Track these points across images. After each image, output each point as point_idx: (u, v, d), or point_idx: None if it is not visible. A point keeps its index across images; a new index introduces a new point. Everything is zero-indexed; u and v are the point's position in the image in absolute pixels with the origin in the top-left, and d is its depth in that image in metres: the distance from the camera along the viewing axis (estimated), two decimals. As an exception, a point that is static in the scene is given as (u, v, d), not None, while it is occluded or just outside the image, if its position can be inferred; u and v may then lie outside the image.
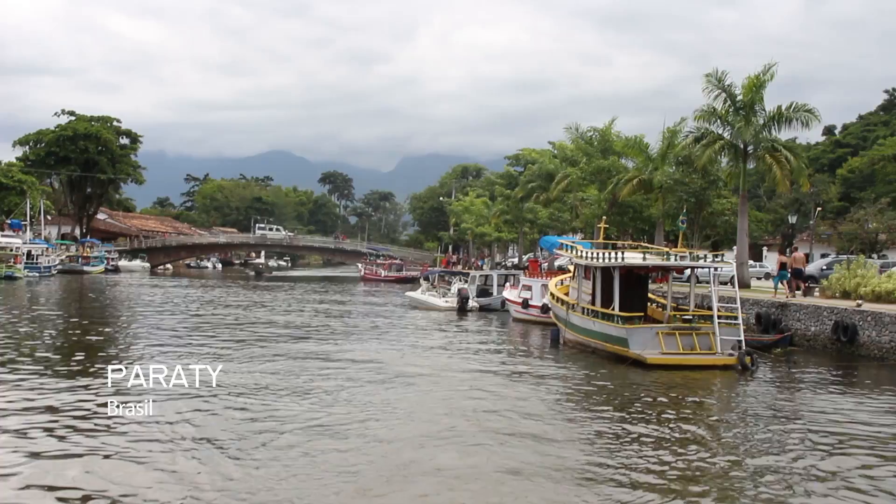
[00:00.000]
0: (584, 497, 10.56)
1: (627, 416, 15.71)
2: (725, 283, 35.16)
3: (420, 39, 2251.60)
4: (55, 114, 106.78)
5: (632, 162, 48.61)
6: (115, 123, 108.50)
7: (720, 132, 37.74)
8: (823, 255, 59.50)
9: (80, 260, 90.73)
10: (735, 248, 35.15)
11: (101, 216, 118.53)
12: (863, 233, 63.87)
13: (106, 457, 12.12)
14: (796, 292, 30.65)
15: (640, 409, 16.59)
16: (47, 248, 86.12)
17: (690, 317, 23.84)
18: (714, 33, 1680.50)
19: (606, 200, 47.81)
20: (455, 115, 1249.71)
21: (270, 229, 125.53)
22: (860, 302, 26.06)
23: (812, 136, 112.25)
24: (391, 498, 10.54)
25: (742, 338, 22.24)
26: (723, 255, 25.46)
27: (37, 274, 74.81)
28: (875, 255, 57.44)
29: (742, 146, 37.05)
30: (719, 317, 22.79)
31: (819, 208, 75.25)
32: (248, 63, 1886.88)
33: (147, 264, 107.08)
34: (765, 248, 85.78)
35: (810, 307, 27.33)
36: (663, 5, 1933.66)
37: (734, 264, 29.62)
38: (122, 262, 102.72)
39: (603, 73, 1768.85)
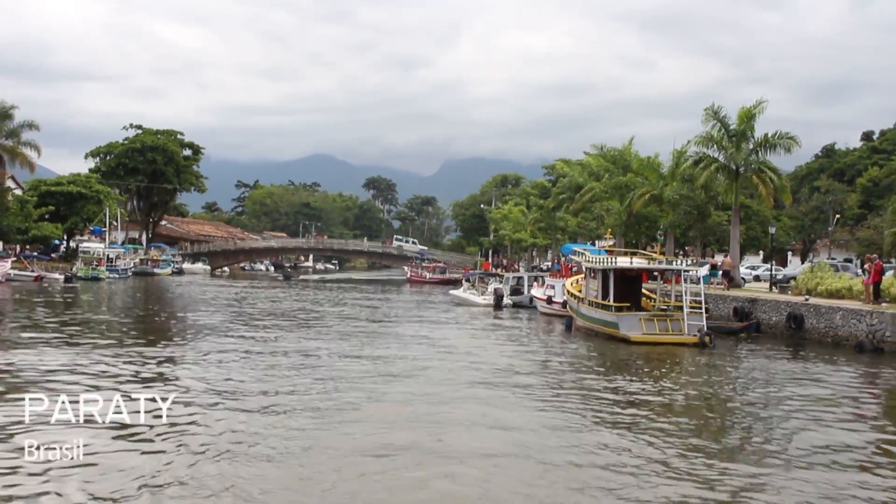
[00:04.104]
0: (573, 420, 17.69)
1: (611, 373, 23.01)
2: (717, 283, 42.22)
3: (462, 44, 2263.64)
4: (123, 127, 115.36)
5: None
6: (178, 136, 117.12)
7: (716, 156, 44.59)
8: (847, 260, 64.59)
9: (149, 263, 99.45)
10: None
11: (161, 221, 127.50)
12: (879, 239, 68.65)
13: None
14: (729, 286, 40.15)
15: (620, 369, 23.81)
16: (123, 253, 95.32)
17: (666, 307, 31.22)
18: (757, 36, 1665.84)
19: (625, 212, 54.69)
20: (496, 119, 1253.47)
21: (406, 241, 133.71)
22: (807, 297, 32.96)
23: (851, 141, 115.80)
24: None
25: (704, 323, 29.37)
26: (695, 260, 32.61)
27: (116, 275, 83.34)
28: (893, 260, 62.80)
29: (734, 168, 43.81)
30: (689, 307, 30.01)
31: (838, 216, 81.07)
32: (291, 68, 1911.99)
33: (208, 267, 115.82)
34: (789, 253, 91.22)
35: (772, 301, 34.30)
36: (705, 8, 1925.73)
37: (702, 268, 36.56)
38: (186, 265, 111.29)
39: (645, 76, 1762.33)
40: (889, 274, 33.08)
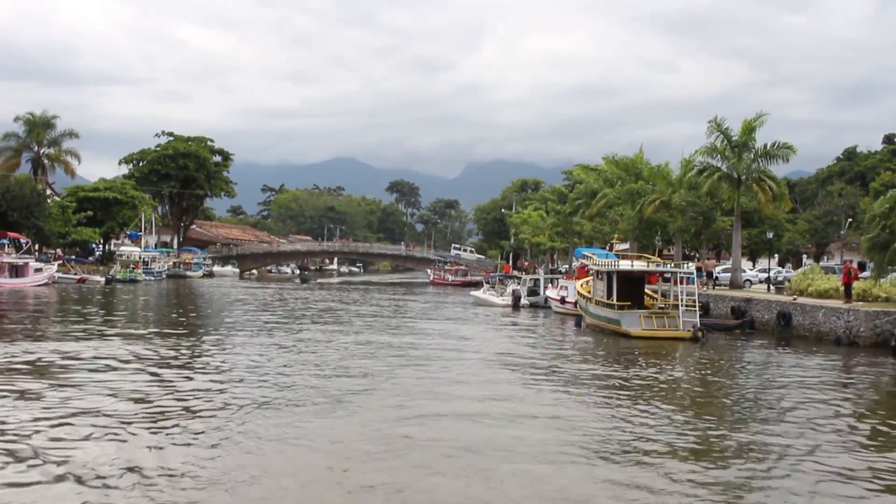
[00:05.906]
0: (579, 402, 20.93)
1: (612, 362, 26.29)
2: (722, 285, 45.58)
3: (485, 47, 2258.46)
4: (156, 134, 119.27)
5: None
6: (209, 143, 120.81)
7: (720, 165, 47.53)
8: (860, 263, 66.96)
9: (182, 266, 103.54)
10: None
11: (192, 226, 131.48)
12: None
13: None
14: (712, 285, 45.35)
15: (621, 359, 27.07)
16: (157, 256, 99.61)
17: (663, 305, 34.50)
18: (782, 38, 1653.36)
19: (636, 217, 57.67)
20: (520, 122, 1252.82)
21: (464, 250, 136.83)
22: (796, 297, 36.00)
23: (873, 144, 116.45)
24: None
25: (698, 320, 32.60)
26: (687, 263, 35.94)
27: (151, 277, 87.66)
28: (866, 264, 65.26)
29: (736, 176, 46.72)
30: (685, 306, 33.26)
31: (850, 219, 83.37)
32: (314, 71, 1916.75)
33: (237, 270, 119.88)
34: (804, 256, 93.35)
35: (765, 301, 37.37)
36: (729, 10, 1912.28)
37: (694, 270, 39.62)
38: (216, 268, 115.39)
39: (668, 78, 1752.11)
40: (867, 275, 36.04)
